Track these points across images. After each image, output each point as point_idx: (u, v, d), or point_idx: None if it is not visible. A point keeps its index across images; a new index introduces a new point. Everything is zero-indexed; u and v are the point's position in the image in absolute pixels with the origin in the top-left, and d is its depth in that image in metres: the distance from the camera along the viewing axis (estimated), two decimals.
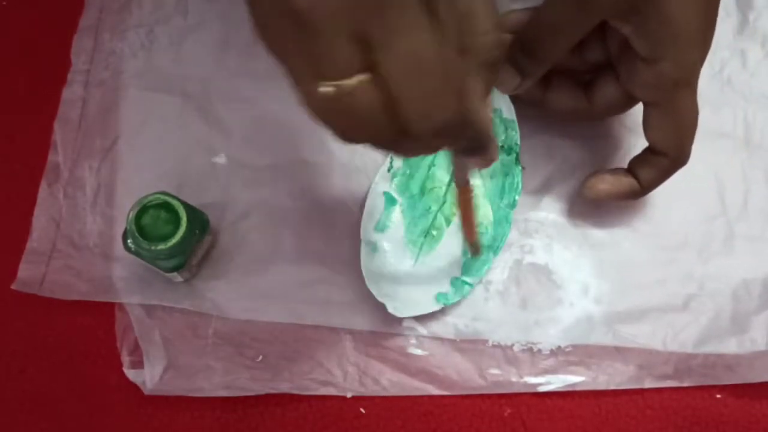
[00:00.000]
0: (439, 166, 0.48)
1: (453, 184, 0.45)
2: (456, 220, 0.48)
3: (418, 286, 0.47)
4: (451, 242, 0.48)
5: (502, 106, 0.47)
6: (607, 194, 0.46)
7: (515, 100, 0.47)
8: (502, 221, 0.47)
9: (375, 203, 0.48)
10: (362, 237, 0.47)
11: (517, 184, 0.47)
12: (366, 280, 0.46)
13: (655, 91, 0.42)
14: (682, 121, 0.42)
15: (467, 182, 0.41)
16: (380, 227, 0.47)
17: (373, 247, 0.47)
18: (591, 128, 0.50)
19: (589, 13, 0.40)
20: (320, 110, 0.29)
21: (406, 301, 0.46)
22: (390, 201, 0.48)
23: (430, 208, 0.48)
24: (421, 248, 0.47)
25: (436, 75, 0.29)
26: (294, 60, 0.28)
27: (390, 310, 0.45)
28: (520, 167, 0.48)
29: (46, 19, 0.53)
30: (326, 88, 0.28)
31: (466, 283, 0.47)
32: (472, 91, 0.31)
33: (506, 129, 0.48)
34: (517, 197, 0.47)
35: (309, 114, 0.29)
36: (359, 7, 0.27)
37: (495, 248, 0.47)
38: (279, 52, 0.29)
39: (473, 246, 0.45)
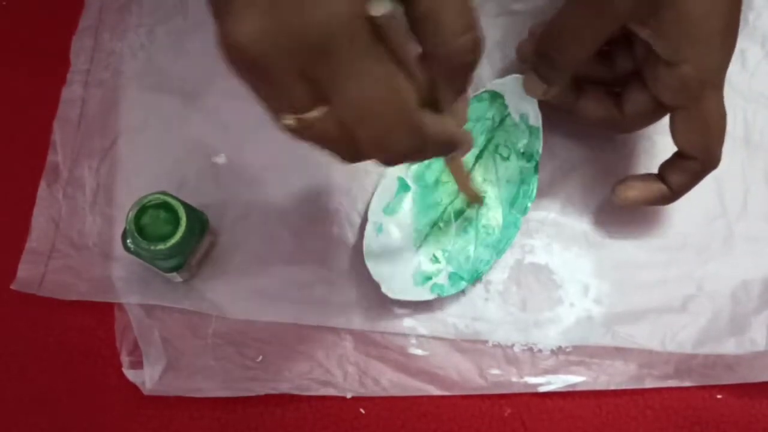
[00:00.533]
0: None
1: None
2: (468, 220, 0.48)
3: (416, 273, 0.47)
4: (456, 237, 0.48)
5: (529, 111, 0.47)
6: (637, 201, 0.45)
7: (547, 107, 0.47)
8: (511, 226, 0.47)
9: (388, 185, 0.48)
10: (369, 216, 0.47)
11: (532, 191, 0.47)
12: (365, 257, 0.46)
13: (679, 94, 0.41)
14: (709, 124, 0.42)
15: (456, 158, 0.42)
16: (389, 210, 0.47)
17: (379, 228, 0.47)
18: (591, 128, 0.50)
19: (607, 18, 0.40)
20: (291, 136, 0.30)
21: (401, 286, 0.46)
22: (403, 186, 0.48)
23: (441, 200, 0.48)
24: (425, 238, 0.47)
25: (388, 113, 0.29)
26: (260, 94, 0.30)
27: (383, 290, 0.46)
28: (537, 176, 0.47)
29: (46, 19, 0.53)
30: (288, 121, 0.29)
31: (463, 279, 0.47)
32: (427, 117, 0.31)
33: (530, 135, 0.47)
34: (529, 204, 0.47)
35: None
36: (304, 52, 0.27)
37: (499, 250, 0.47)
38: (249, 87, 0.30)
39: (474, 198, 0.46)
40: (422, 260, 0.47)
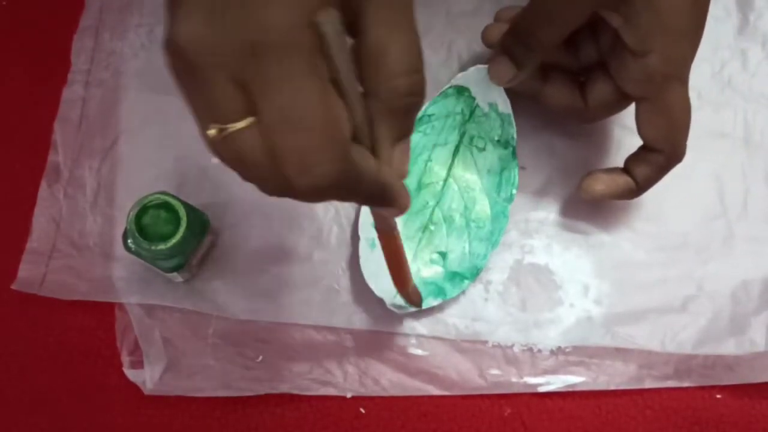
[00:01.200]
0: (436, 161, 0.48)
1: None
2: (457, 218, 0.48)
3: (416, 281, 0.47)
4: (449, 237, 0.48)
5: (497, 100, 0.47)
6: (603, 194, 0.45)
7: (512, 94, 0.47)
8: (500, 216, 0.47)
9: None
10: (360, 233, 0.47)
11: (514, 177, 0.47)
12: (365, 276, 0.46)
13: (644, 85, 0.42)
14: (673, 116, 0.42)
15: (391, 228, 0.38)
16: None
17: (372, 243, 0.47)
18: (591, 128, 0.50)
19: (580, 2, 0.40)
20: (213, 151, 0.29)
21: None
22: None
23: (427, 203, 0.48)
24: (419, 244, 0.47)
25: (314, 130, 0.27)
26: (191, 102, 0.28)
27: (389, 305, 0.45)
28: (516, 161, 0.48)
29: (46, 19, 0.53)
30: (211, 131, 0.28)
31: (465, 277, 0.47)
32: (360, 153, 0.29)
33: (502, 123, 0.48)
34: (514, 191, 0.47)
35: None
36: (236, 52, 0.26)
37: (493, 242, 0.47)
38: (184, 94, 0.28)
39: (409, 296, 0.43)
40: (420, 267, 0.47)
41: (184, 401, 0.46)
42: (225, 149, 0.28)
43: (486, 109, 0.48)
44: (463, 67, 0.51)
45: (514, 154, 0.48)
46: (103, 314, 0.47)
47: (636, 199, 0.48)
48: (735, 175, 0.50)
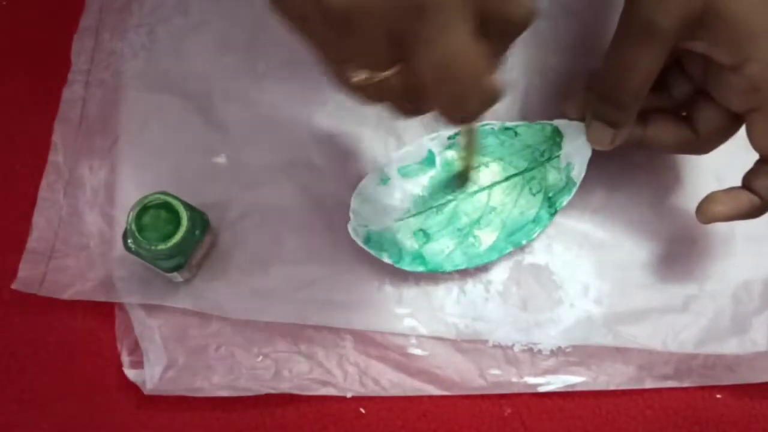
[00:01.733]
0: (492, 170, 0.48)
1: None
2: (463, 222, 0.48)
3: (399, 233, 0.47)
4: (442, 230, 0.47)
5: (576, 164, 0.47)
6: (726, 215, 0.43)
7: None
8: (495, 251, 0.47)
9: (416, 153, 0.48)
10: (380, 165, 0.47)
11: (534, 233, 0.47)
12: (354, 194, 0.47)
13: (751, 96, 0.40)
14: None
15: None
16: (404, 171, 0.47)
17: (385, 179, 0.47)
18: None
19: (656, 41, 0.39)
20: (350, 90, 0.31)
21: (369, 235, 0.46)
22: (430, 161, 0.48)
23: (452, 193, 0.48)
24: (417, 214, 0.47)
25: (467, 80, 0.30)
26: (327, 47, 0.30)
27: (350, 227, 0.46)
28: (547, 225, 0.47)
29: (46, 19, 0.53)
30: (359, 78, 0.30)
31: (421, 265, 0.47)
32: (494, 78, 0.31)
33: (565, 186, 0.47)
34: (524, 242, 0.47)
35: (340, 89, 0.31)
36: (397, 10, 0.28)
37: (472, 264, 0.47)
38: (309, 39, 0.30)
39: (463, 175, 0.45)
40: (402, 229, 0.47)
41: (184, 401, 0.46)
42: (369, 91, 0.31)
43: (563, 164, 0.47)
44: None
45: (551, 218, 0.47)
46: (103, 314, 0.47)
47: (636, 200, 0.48)
48: (735, 175, 0.50)
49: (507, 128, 0.48)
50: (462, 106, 0.31)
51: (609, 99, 0.42)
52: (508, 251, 0.47)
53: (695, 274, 0.49)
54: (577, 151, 0.46)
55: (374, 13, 0.28)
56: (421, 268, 0.47)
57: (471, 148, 0.43)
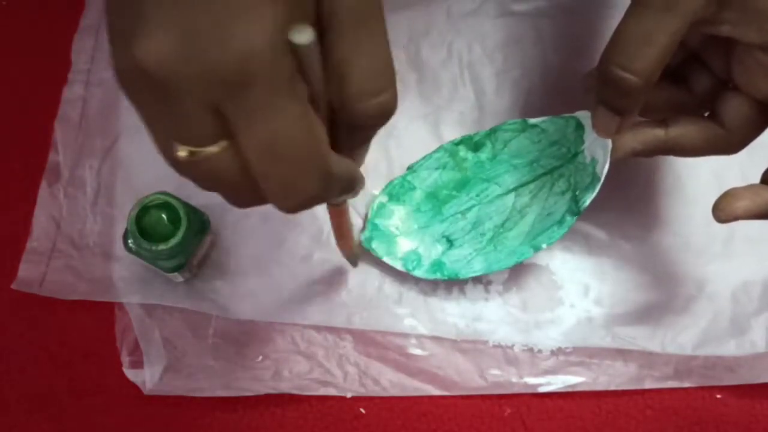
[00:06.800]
0: (519, 169, 0.48)
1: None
2: (486, 227, 0.47)
3: (423, 240, 0.47)
4: (465, 236, 0.47)
5: (599, 158, 0.43)
6: (747, 211, 0.39)
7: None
8: (514, 255, 0.46)
9: (431, 157, 0.48)
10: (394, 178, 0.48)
11: (556, 237, 0.45)
12: (374, 206, 0.47)
13: None
14: None
15: (342, 203, 0.38)
16: (423, 176, 0.48)
17: (406, 186, 0.48)
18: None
19: (676, 13, 0.35)
20: (179, 171, 0.28)
21: (393, 241, 0.47)
22: (445, 165, 0.48)
23: (477, 195, 0.48)
24: (448, 219, 0.48)
25: (299, 159, 0.26)
26: (151, 117, 0.27)
27: (363, 237, 0.47)
28: (570, 227, 0.45)
29: (46, 19, 0.53)
30: (182, 153, 0.27)
31: (438, 272, 0.46)
32: (334, 159, 0.28)
33: (591, 183, 0.43)
34: (544, 246, 0.45)
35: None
36: (211, 78, 0.24)
37: (490, 269, 0.46)
38: (141, 111, 0.27)
39: (349, 254, 0.44)
40: (426, 236, 0.47)
41: (184, 401, 0.46)
42: (196, 170, 0.27)
43: (588, 160, 0.44)
44: (462, 68, 0.51)
45: (574, 218, 0.44)
46: (103, 314, 0.47)
47: (636, 201, 0.48)
48: (735, 175, 0.50)
49: (533, 125, 0.46)
50: (290, 193, 0.27)
51: (612, 79, 0.37)
52: (528, 256, 0.45)
53: (694, 276, 0.49)
54: (598, 143, 0.43)
55: (191, 85, 0.24)
56: (437, 275, 0.46)
57: (342, 231, 0.41)
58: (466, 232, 0.47)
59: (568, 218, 0.44)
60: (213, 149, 0.26)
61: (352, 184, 0.31)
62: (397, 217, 0.48)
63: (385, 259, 0.47)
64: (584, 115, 0.44)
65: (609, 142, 0.42)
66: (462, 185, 0.48)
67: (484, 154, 0.48)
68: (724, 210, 0.40)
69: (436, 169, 0.48)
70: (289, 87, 0.25)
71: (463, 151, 0.48)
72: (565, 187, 0.46)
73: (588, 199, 0.44)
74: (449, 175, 0.48)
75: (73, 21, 0.52)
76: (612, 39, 0.37)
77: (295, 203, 0.28)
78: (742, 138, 0.40)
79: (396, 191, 0.48)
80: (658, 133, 0.41)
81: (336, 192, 0.30)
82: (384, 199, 0.48)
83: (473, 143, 0.48)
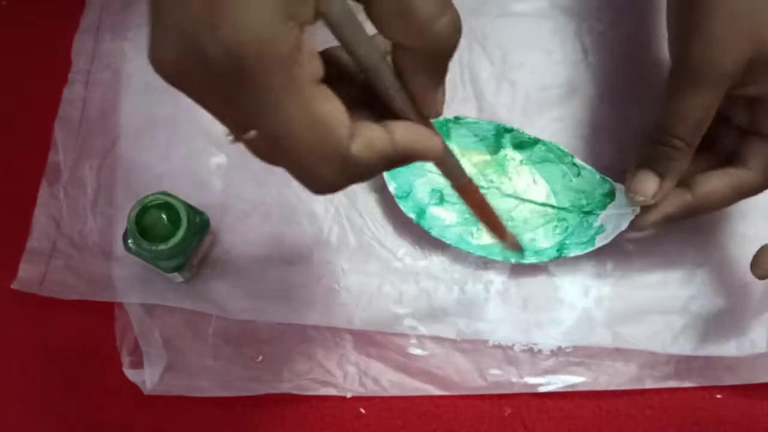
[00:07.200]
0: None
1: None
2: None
3: (420, 185, 0.47)
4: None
5: (608, 229, 0.46)
6: None
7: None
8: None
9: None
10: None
11: (520, 260, 0.47)
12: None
13: None
14: None
15: (464, 178, 0.34)
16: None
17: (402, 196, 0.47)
18: (587, 129, 0.50)
19: (713, 85, 0.39)
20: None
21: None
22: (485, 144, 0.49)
23: (489, 185, 0.48)
24: None
25: (307, 150, 0.26)
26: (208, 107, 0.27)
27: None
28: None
29: (46, 19, 0.53)
30: (229, 138, 0.27)
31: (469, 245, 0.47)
32: (361, 144, 0.27)
33: (583, 244, 0.46)
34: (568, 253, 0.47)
35: None
36: (214, 78, 0.25)
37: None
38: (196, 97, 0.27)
39: (510, 243, 0.40)
40: (424, 183, 0.47)
41: (184, 401, 0.46)
42: (258, 152, 0.27)
43: (596, 224, 0.47)
44: (462, 68, 0.51)
45: (552, 260, 0.47)
46: (102, 314, 0.47)
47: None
48: None
49: (575, 164, 0.47)
50: (307, 181, 0.27)
51: (659, 144, 0.40)
52: (491, 257, 0.47)
53: (695, 276, 0.49)
54: (615, 219, 0.46)
55: (197, 81, 0.25)
56: (415, 218, 0.47)
57: (484, 214, 0.38)
58: (459, 202, 0.48)
59: (547, 253, 0.47)
60: (248, 136, 0.26)
61: (412, 152, 0.29)
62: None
63: (385, 175, 0.47)
64: (620, 188, 0.45)
65: (624, 225, 0.45)
66: (484, 166, 0.48)
67: (520, 155, 0.48)
68: (761, 267, 0.41)
69: (476, 136, 0.48)
70: (287, 75, 0.25)
71: (506, 139, 0.48)
72: (560, 231, 0.47)
73: (572, 254, 0.46)
74: (480, 149, 0.48)
75: (73, 21, 0.52)
76: (658, 110, 0.41)
77: (316, 190, 0.28)
78: None
79: None
80: (685, 198, 0.42)
81: (378, 168, 0.29)
82: None
83: (519, 141, 0.48)
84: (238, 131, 0.26)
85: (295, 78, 0.25)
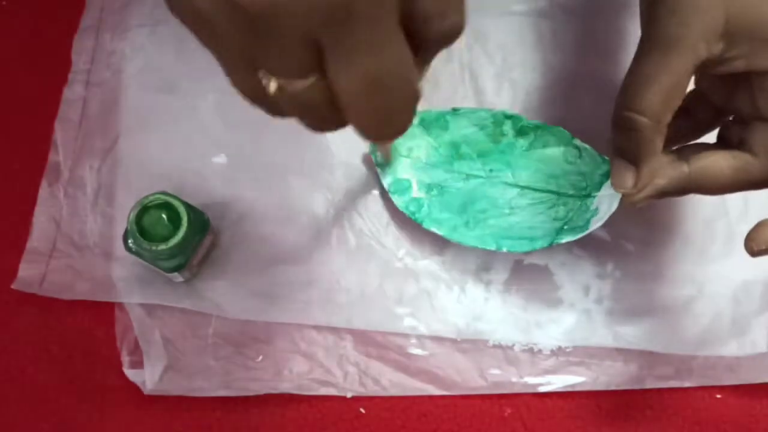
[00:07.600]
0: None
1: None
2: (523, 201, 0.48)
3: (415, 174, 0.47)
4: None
5: (601, 210, 0.43)
6: None
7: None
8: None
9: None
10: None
11: (522, 249, 0.46)
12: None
13: None
14: None
15: None
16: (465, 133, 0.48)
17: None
18: (588, 129, 0.50)
19: (675, 54, 0.36)
20: (256, 100, 0.28)
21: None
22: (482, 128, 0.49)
23: (488, 174, 0.48)
24: (450, 174, 0.48)
25: (399, 93, 0.27)
26: (233, 52, 0.27)
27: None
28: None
29: (46, 19, 0.53)
30: (273, 86, 0.27)
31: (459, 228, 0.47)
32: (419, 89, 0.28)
33: (579, 228, 0.44)
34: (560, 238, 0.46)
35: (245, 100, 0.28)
36: (323, 14, 0.24)
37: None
38: (212, 41, 0.28)
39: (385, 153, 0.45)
40: (423, 175, 0.48)
41: (184, 401, 0.46)
42: (282, 101, 0.27)
43: (593, 206, 0.45)
44: (462, 68, 0.51)
45: (546, 246, 0.45)
46: (103, 314, 0.47)
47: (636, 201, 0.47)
48: None
49: (575, 146, 0.46)
50: (389, 123, 0.28)
51: (625, 122, 0.37)
52: (487, 248, 0.46)
53: (695, 276, 0.49)
54: (607, 198, 0.43)
55: (296, 14, 0.24)
56: (408, 210, 0.47)
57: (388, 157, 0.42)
58: (454, 194, 0.47)
59: (540, 242, 0.45)
60: (304, 82, 0.26)
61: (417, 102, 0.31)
62: (414, 142, 0.48)
63: (379, 170, 0.47)
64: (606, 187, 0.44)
65: (615, 203, 0.42)
66: (485, 154, 0.48)
67: (521, 141, 0.48)
68: (756, 240, 0.39)
69: (475, 125, 0.48)
70: (393, 21, 0.25)
71: (507, 126, 0.48)
72: (560, 216, 0.46)
73: (567, 239, 0.44)
74: (480, 138, 0.48)
75: (73, 21, 0.52)
76: (623, 83, 0.38)
77: (389, 134, 0.28)
78: None
79: (429, 120, 0.48)
80: (680, 169, 0.40)
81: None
82: (415, 120, 0.47)
83: (519, 126, 0.47)
84: (297, 75, 0.26)
85: (397, 30, 0.26)
